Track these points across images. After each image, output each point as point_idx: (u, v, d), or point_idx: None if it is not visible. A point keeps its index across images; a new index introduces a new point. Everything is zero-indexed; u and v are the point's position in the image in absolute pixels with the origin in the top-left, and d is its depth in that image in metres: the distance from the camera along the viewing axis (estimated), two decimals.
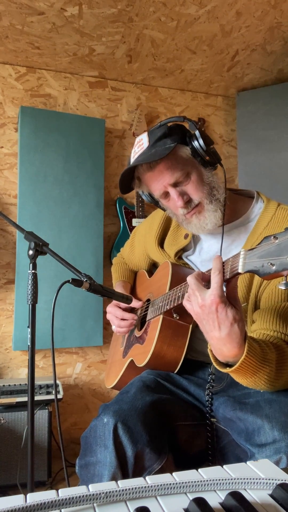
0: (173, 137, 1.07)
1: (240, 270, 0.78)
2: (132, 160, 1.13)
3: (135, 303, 1.32)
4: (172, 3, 1.89)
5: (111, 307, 1.36)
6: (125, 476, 0.88)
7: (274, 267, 0.72)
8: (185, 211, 1.10)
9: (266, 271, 0.73)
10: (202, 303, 0.82)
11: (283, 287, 0.71)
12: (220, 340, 0.82)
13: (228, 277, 0.82)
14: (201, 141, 1.07)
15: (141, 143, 1.11)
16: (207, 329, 0.84)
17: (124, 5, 1.91)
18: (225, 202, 1.12)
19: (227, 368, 0.87)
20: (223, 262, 0.84)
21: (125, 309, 1.35)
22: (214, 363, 0.89)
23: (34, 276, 1.17)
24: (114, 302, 1.37)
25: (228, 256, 0.85)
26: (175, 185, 1.09)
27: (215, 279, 0.82)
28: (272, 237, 0.73)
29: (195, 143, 1.07)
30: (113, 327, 1.35)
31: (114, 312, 1.34)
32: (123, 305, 1.34)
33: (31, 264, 1.17)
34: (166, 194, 1.12)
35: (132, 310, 1.38)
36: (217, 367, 0.89)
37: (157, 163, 1.07)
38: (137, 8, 1.93)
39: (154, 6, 1.92)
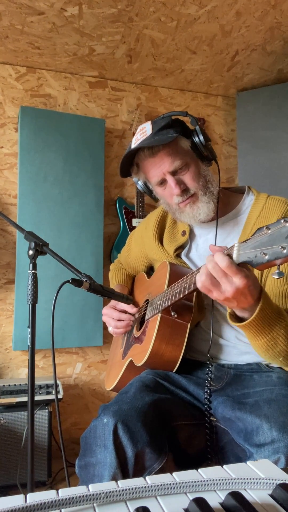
0: (175, 129, 1.12)
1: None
2: (133, 145, 1.15)
3: (130, 309, 1.33)
4: (172, 3, 1.89)
5: (107, 309, 1.36)
6: (125, 476, 0.88)
7: (266, 257, 0.73)
8: (180, 199, 1.15)
9: (259, 261, 0.75)
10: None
11: (276, 276, 0.73)
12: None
13: None
14: (201, 137, 1.13)
15: (144, 130, 1.15)
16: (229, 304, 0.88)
17: (124, 5, 1.91)
18: (219, 196, 1.17)
19: (245, 321, 0.90)
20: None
21: (120, 311, 1.35)
22: (230, 320, 0.93)
23: (34, 276, 1.17)
24: (110, 304, 1.37)
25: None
26: (173, 173, 1.13)
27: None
28: (264, 228, 0.75)
29: (195, 138, 1.14)
30: (110, 329, 1.36)
31: (110, 314, 1.34)
32: (119, 306, 1.35)
33: (31, 264, 1.17)
34: (162, 182, 1.16)
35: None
36: (235, 323, 0.92)
37: (159, 149, 1.12)
38: (137, 8, 1.93)
39: (154, 6, 1.91)
